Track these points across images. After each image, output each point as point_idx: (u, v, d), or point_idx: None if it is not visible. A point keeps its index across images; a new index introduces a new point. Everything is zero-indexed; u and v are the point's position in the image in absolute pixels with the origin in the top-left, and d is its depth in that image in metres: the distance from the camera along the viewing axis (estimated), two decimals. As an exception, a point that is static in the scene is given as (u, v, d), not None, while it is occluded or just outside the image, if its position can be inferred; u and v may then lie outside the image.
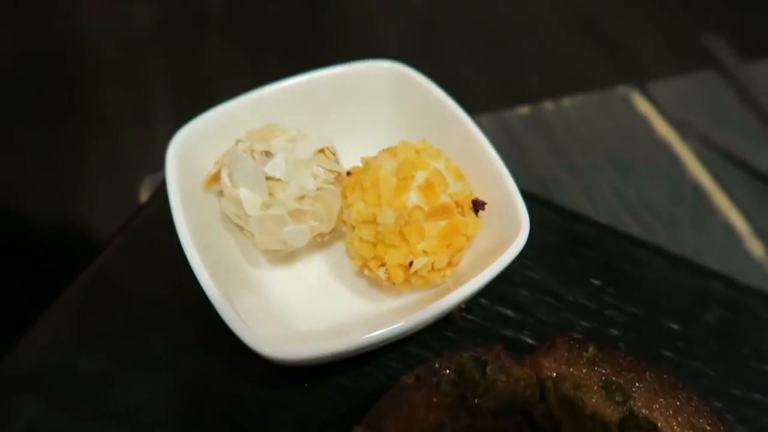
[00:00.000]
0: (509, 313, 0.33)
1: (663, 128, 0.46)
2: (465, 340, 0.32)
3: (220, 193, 0.31)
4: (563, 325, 0.33)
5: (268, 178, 0.29)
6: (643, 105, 0.48)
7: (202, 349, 0.30)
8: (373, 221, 0.28)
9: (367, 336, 0.26)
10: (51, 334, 0.31)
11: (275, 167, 0.28)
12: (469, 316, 0.33)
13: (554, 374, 0.24)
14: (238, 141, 0.30)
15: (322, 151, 0.30)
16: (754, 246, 0.40)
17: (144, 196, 0.41)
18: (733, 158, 0.45)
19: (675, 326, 0.33)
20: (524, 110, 0.47)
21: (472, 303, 0.33)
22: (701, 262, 0.39)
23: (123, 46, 0.61)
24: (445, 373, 0.24)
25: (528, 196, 0.38)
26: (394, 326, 0.26)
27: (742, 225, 0.41)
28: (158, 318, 0.31)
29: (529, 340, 0.32)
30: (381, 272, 0.29)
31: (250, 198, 0.29)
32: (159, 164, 0.32)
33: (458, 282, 0.30)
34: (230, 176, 0.30)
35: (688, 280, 0.35)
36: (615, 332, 0.33)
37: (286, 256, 0.32)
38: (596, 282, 0.35)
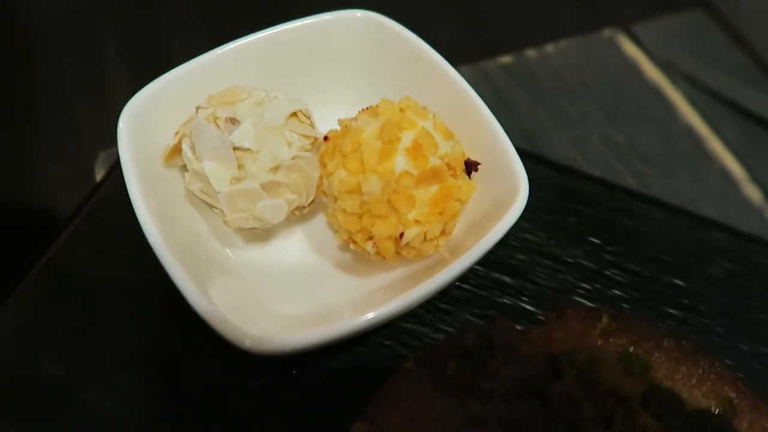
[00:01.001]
0: (506, 279, 0.31)
1: (652, 72, 0.44)
2: (462, 312, 0.30)
3: (183, 168, 0.28)
4: (563, 288, 0.31)
5: (235, 149, 0.25)
6: (630, 48, 0.45)
7: (175, 341, 0.27)
8: (357, 191, 0.25)
9: (358, 320, 0.23)
10: (4, 334, 0.28)
11: (243, 136, 0.25)
12: (465, 285, 0.31)
13: (567, 348, 0.22)
14: (198, 107, 0.27)
15: (294, 114, 0.27)
16: (752, 192, 0.38)
17: (99, 173, 0.37)
18: (724, 100, 0.43)
19: (679, 282, 0.32)
20: (506, 59, 0.44)
21: (466, 271, 0.31)
22: (699, 211, 0.37)
23: (68, 8, 0.55)
24: (449, 356, 0.21)
25: (518, 151, 0.36)
26: (388, 307, 0.23)
27: (738, 170, 0.39)
28: (124, 310, 0.28)
29: (530, 307, 0.30)
30: (369, 246, 0.26)
31: (217, 172, 0.25)
32: (113, 138, 0.28)
33: (453, 251, 0.28)
34: (192, 148, 0.26)
35: (689, 233, 0.34)
36: (617, 293, 0.31)
37: (262, 233, 0.29)
38: (595, 240, 0.33)
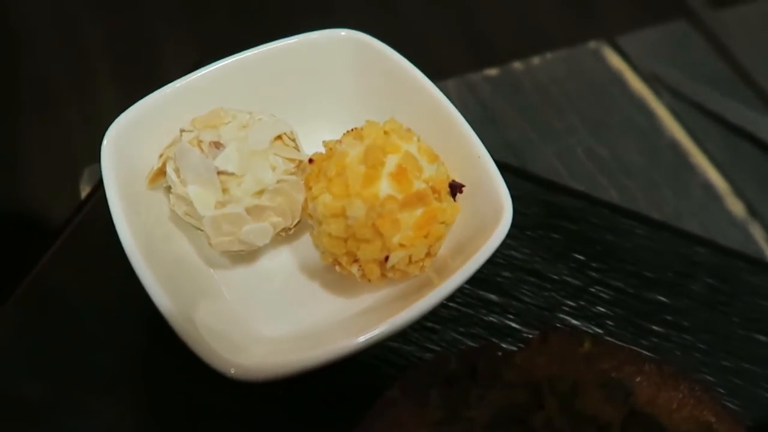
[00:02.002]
0: (492, 297, 0.31)
1: (636, 84, 0.44)
2: (448, 330, 0.30)
3: (169, 189, 0.28)
4: (549, 306, 0.31)
5: (220, 173, 0.25)
6: (615, 60, 0.45)
7: (160, 364, 0.27)
8: (341, 215, 0.25)
9: (345, 345, 0.23)
10: (-14, 358, 0.28)
11: (227, 160, 0.25)
12: (451, 303, 0.31)
13: (549, 374, 0.22)
14: (182, 130, 0.27)
15: (279, 137, 0.27)
16: (735, 205, 0.39)
17: (85, 190, 0.37)
18: (708, 112, 0.43)
19: (662, 298, 0.32)
20: (492, 72, 0.44)
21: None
22: (682, 225, 0.37)
23: (56, 17, 0.55)
24: (433, 383, 0.22)
25: (503, 166, 0.36)
26: (375, 332, 0.23)
27: (721, 183, 0.40)
28: (108, 333, 0.28)
29: (515, 325, 0.31)
30: (354, 269, 0.26)
31: (201, 196, 0.25)
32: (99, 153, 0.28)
33: (440, 271, 0.28)
34: (177, 171, 0.26)
35: (672, 248, 0.34)
36: (602, 309, 0.31)
37: (248, 254, 0.29)
38: (579, 257, 0.33)
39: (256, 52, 0.30)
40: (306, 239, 0.30)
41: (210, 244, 0.27)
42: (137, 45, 0.54)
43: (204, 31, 0.53)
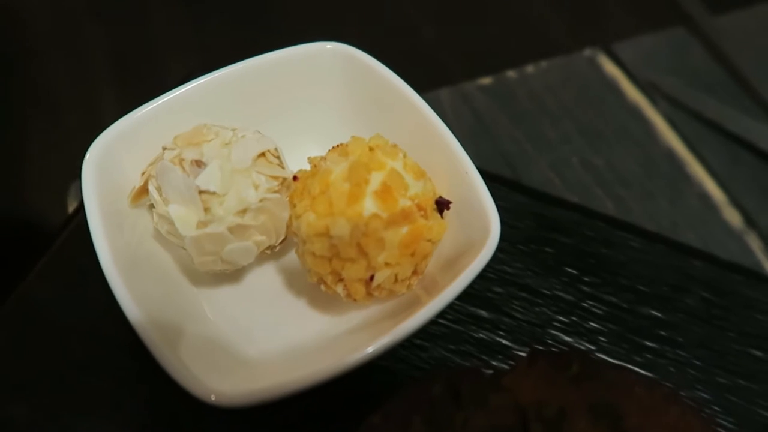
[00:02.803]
0: (482, 313, 0.31)
1: (632, 92, 0.44)
2: (437, 347, 0.30)
3: (152, 206, 0.27)
4: (540, 322, 0.31)
5: (202, 192, 0.25)
6: (610, 68, 0.45)
7: (146, 386, 0.27)
8: (325, 234, 0.25)
9: (332, 367, 0.23)
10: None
11: (209, 179, 0.25)
12: (440, 320, 0.30)
13: (536, 398, 0.22)
14: (164, 148, 0.27)
15: (263, 154, 0.26)
16: (732, 216, 0.38)
17: (72, 205, 0.37)
18: (705, 120, 0.43)
19: (656, 313, 0.31)
20: (486, 81, 0.44)
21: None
22: (678, 236, 0.37)
23: (56, 21, 0.55)
24: (416, 408, 0.21)
25: (495, 179, 0.36)
26: (364, 353, 0.23)
27: (718, 194, 0.39)
28: (93, 353, 0.28)
29: (506, 342, 0.30)
30: (339, 288, 0.26)
31: (183, 216, 0.25)
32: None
33: (428, 288, 0.27)
34: (159, 190, 0.26)
35: (667, 261, 0.33)
36: (594, 325, 0.31)
37: (233, 272, 0.28)
38: (572, 271, 0.32)
39: (241, 66, 0.29)
40: (292, 256, 0.30)
41: (194, 263, 0.27)
42: (139, 52, 0.54)
43: (206, 39, 0.53)
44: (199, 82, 0.29)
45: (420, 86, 0.31)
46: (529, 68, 0.44)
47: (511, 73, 0.44)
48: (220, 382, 0.22)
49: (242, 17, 0.55)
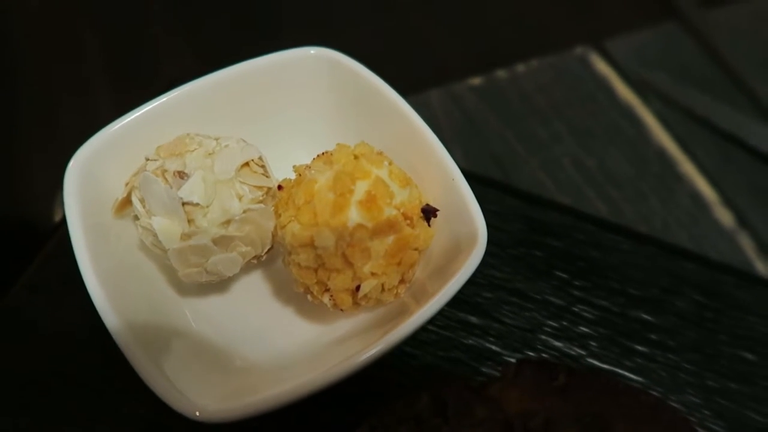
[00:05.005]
0: (472, 319, 0.31)
1: (624, 91, 0.43)
2: (427, 354, 0.30)
3: (136, 217, 0.27)
4: (530, 327, 0.30)
5: (185, 203, 0.25)
6: (602, 66, 0.44)
7: (134, 399, 0.27)
8: (310, 244, 0.24)
9: (319, 379, 0.22)
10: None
11: (192, 191, 0.24)
12: (430, 326, 0.30)
13: (522, 409, 0.21)
14: (147, 159, 0.26)
15: (246, 164, 0.26)
16: (723, 215, 0.38)
17: (59, 214, 0.36)
18: (697, 118, 0.42)
19: (647, 317, 0.31)
20: (476, 81, 0.43)
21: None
22: (670, 236, 0.37)
23: (51, 22, 0.54)
24: (402, 421, 0.21)
25: (485, 181, 0.35)
26: (352, 363, 0.23)
27: (709, 193, 0.39)
28: (80, 364, 0.28)
29: (496, 348, 0.30)
30: (326, 299, 0.26)
31: (166, 228, 0.25)
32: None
33: (416, 296, 0.27)
34: (142, 201, 0.25)
35: (658, 263, 0.33)
36: (585, 330, 0.31)
37: (220, 283, 0.28)
38: (562, 275, 0.32)
39: (224, 73, 0.29)
40: (279, 265, 0.29)
41: (179, 275, 0.26)
42: (134, 57, 0.53)
43: (203, 41, 0.52)
44: (183, 90, 0.29)
45: (409, 87, 0.31)
46: (520, 67, 0.44)
47: (501, 73, 0.44)
48: (206, 396, 0.22)
49: (241, 20, 0.55)
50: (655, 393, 0.29)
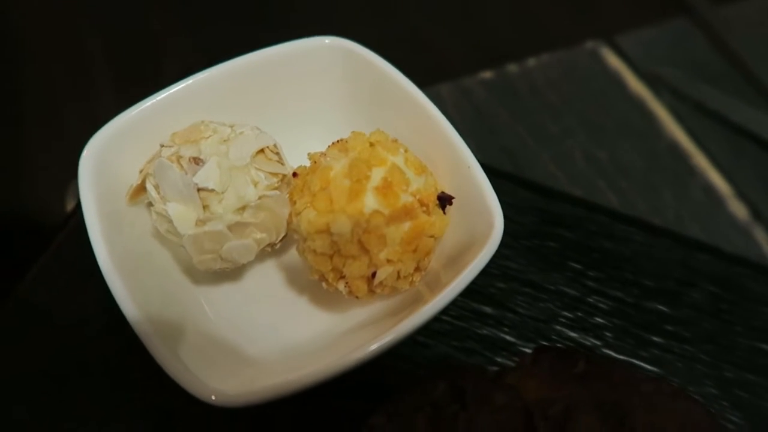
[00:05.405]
0: (486, 309, 0.30)
1: (635, 85, 0.43)
2: (441, 344, 0.29)
3: (150, 205, 0.27)
4: (545, 317, 0.30)
5: (200, 189, 0.25)
6: (613, 60, 0.44)
7: (146, 388, 0.27)
8: (326, 231, 0.24)
9: (333, 366, 0.22)
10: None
11: (207, 177, 0.24)
12: (443, 317, 0.30)
13: (541, 397, 0.21)
14: (162, 146, 0.26)
15: (261, 151, 0.26)
16: (737, 208, 0.38)
17: (71, 204, 0.36)
18: (710, 112, 0.42)
19: (662, 308, 0.31)
20: (487, 74, 0.43)
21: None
22: (683, 229, 0.36)
23: (55, 19, 0.54)
24: (420, 408, 0.21)
25: (498, 174, 0.35)
26: (366, 351, 0.22)
27: (723, 186, 0.39)
28: (93, 355, 0.28)
29: (510, 338, 0.30)
30: (341, 286, 0.25)
31: (181, 214, 0.25)
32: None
33: (431, 285, 0.27)
34: (157, 188, 0.25)
35: (672, 255, 0.33)
36: (600, 320, 0.31)
37: (234, 270, 0.28)
38: (576, 266, 0.32)
39: (239, 61, 0.29)
40: (293, 253, 0.29)
41: (194, 262, 0.26)
42: (138, 50, 0.53)
43: (206, 37, 0.53)
44: (198, 78, 0.29)
45: (420, 81, 0.30)
46: (531, 61, 0.44)
47: (512, 67, 0.44)
48: (221, 382, 0.22)
49: (244, 15, 0.55)
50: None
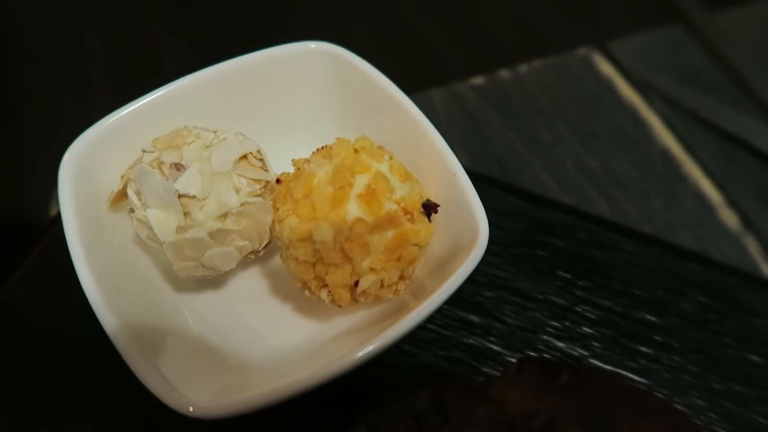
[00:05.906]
0: (473, 318, 0.30)
1: (628, 92, 0.43)
2: (427, 354, 0.29)
3: (132, 211, 0.27)
4: (532, 327, 0.30)
5: (181, 196, 0.24)
6: (605, 67, 0.44)
7: (131, 395, 0.26)
8: (308, 238, 0.24)
9: (315, 376, 0.22)
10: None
11: (188, 183, 0.24)
12: (429, 325, 0.30)
13: (524, 409, 0.21)
14: (144, 151, 0.26)
15: (244, 157, 0.26)
16: (728, 217, 0.37)
17: (54, 209, 0.36)
18: (701, 120, 0.42)
19: (651, 318, 0.31)
20: (478, 80, 0.43)
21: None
22: (674, 238, 0.36)
23: (53, 20, 0.54)
24: (401, 420, 0.20)
25: (487, 180, 0.35)
26: (350, 360, 0.22)
27: (714, 194, 0.38)
28: (74, 360, 0.27)
29: (497, 348, 0.29)
30: (324, 294, 0.25)
31: (162, 220, 0.24)
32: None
33: (416, 293, 0.27)
34: (138, 194, 0.25)
35: (662, 264, 0.33)
36: (588, 330, 0.30)
37: (216, 278, 0.28)
38: (565, 275, 0.32)
39: (223, 66, 0.29)
40: (277, 261, 0.29)
41: (175, 270, 0.26)
42: (135, 53, 0.53)
43: (203, 40, 0.52)
44: (182, 82, 0.28)
45: (411, 86, 0.30)
46: (523, 68, 0.44)
47: (504, 73, 0.43)
48: (201, 392, 0.22)
49: (241, 19, 0.55)
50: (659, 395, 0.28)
